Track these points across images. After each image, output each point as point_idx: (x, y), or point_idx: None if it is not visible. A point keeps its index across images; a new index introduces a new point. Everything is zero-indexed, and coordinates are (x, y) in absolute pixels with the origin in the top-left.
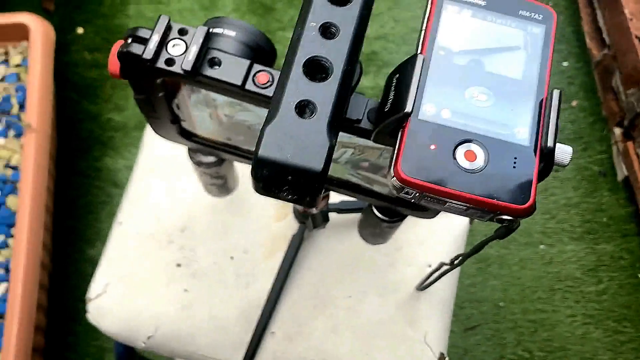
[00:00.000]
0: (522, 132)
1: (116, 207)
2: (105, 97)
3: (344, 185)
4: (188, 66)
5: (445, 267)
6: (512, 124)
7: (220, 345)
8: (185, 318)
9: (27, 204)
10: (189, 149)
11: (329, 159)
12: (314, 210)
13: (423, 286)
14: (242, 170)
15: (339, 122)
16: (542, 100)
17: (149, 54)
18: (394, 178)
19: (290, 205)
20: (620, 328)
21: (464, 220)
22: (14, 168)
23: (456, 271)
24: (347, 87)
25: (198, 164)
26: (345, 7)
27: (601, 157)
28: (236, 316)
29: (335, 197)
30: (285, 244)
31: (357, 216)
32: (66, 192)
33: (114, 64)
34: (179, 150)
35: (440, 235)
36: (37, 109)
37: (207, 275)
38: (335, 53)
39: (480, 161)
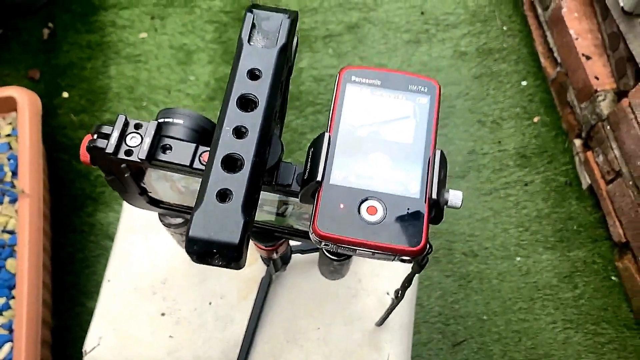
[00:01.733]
0: (413, 186)
1: None
2: None
3: (295, 233)
4: (143, 155)
5: (394, 302)
6: (405, 181)
7: None
8: None
9: (25, 265)
10: (159, 214)
11: (244, 232)
12: (275, 255)
13: (380, 322)
14: None
15: (253, 201)
16: (429, 159)
17: (110, 147)
18: (313, 234)
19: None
20: (600, 330)
21: None
22: (11, 232)
23: (411, 299)
24: (258, 174)
25: (168, 225)
26: (251, 113)
27: (566, 168)
28: (218, 356)
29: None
30: (257, 286)
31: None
32: (63, 249)
33: (84, 155)
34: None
35: (393, 266)
36: (29, 175)
37: (189, 321)
38: (246, 149)
39: (380, 214)
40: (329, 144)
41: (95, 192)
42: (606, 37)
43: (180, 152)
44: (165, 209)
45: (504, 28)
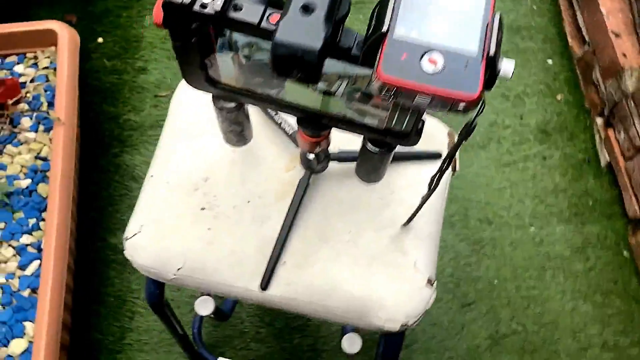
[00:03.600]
0: (472, 45)
1: (135, 199)
2: (123, 99)
3: (341, 121)
4: (218, 7)
5: (425, 195)
6: (464, 40)
7: (240, 275)
8: (209, 252)
9: (57, 189)
10: (213, 97)
11: (325, 43)
12: (317, 149)
13: (407, 221)
14: (256, 124)
15: (333, 17)
16: (487, 24)
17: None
18: (376, 79)
19: (298, 157)
20: (608, 302)
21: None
22: (44, 159)
23: (439, 209)
24: None
25: (221, 108)
26: None
27: (585, 146)
28: (253, 250)
29: (335, 147)
30: (294, 189)
31: (354, 166)
32: (88, 187)
33: (158, 14)
34: (201, 114)
35: (425, 180)
36: (65, 105)
37: (227, 217)
38: None
39: (440, 65)
40: (395, 1)
41: (123, 134)
42: (637, 15)
43: (250, 11)
44: (221, 89)
45: (534, 7)
